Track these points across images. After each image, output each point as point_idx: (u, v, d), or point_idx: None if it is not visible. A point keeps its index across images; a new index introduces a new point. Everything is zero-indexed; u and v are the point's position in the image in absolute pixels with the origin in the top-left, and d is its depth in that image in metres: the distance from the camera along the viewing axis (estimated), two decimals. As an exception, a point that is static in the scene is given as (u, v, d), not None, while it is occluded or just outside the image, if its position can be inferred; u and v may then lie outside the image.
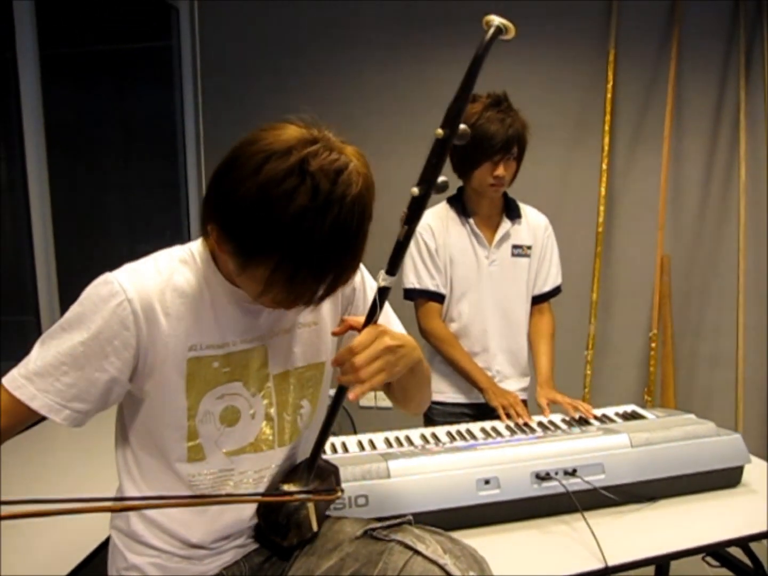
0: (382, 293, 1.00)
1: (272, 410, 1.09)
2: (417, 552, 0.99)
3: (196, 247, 1.05)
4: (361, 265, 1.20)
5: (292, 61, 3.09)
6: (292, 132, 0.89)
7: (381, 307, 1.00)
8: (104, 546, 1.26)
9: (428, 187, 0.92)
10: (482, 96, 1.79)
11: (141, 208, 3.09)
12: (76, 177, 2.66)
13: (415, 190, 0.92)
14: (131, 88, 3.11)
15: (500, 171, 1.78)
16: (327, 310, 1.15)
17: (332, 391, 1.13)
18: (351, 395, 0.98)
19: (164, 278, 0.99)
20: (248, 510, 1.10)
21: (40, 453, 1.68)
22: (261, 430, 1.08)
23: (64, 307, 2.31)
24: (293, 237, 0.85)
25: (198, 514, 1.06)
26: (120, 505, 0.99)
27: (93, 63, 2.83)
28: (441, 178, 0.93)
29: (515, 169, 1.83)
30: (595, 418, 1.71)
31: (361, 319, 1.02)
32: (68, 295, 2.36)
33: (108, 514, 1.12)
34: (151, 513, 1.05)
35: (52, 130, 2.31)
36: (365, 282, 1.19)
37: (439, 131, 0.90)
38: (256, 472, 1.09)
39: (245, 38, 3.10)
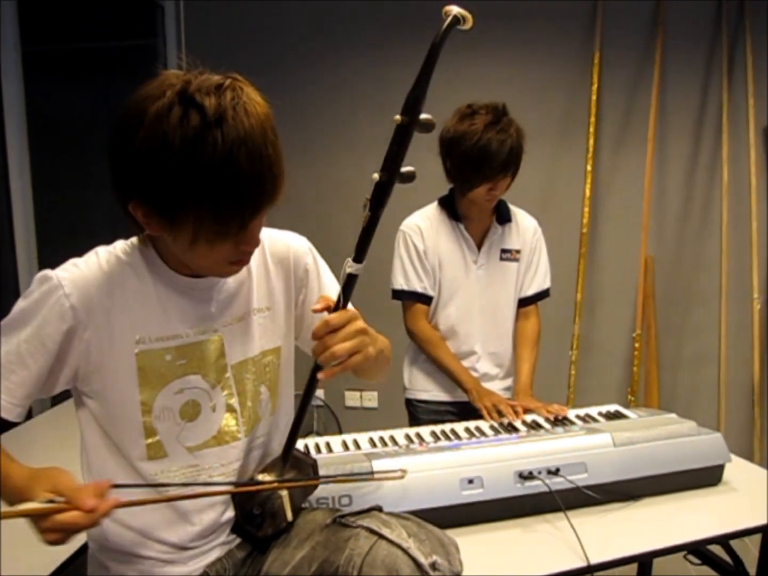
0: (349, 280, 0.99)
1: (234, 401, 1.08)
2: (382, 536, 0.99)
3: (135, 240, 1.05)
4: (313, 248, 1.19)
5: (278, 60, 3.08)
6: (163, 77, 0.89)
7: (348, 293, 0.99)
8: (82, 550, 1.25)
9: (390, 174, 0.92)
10: (482, 108, 1.75)
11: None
12: (59, 175, 2.64)
13: (376, 176, 0.92)
14: (116, 87, 3.09)
15: (496, 191, 1.79)
16: (280, 294, 1.14)
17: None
18: (321, 375, 0.97)
19: (105, 271, 0.99)
20: (224, 506, 1.09)
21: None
22: (223, 422, 1.07)
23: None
24: (198, 164, 0.82)
25: (176, 516, 1.05)
26: (149, 500, 0.99)
27: (77, 60, 2.81)
28: (407, 168, 0.92)
29: (510, 182, 1.82)
30: (572, 419, 1.72)
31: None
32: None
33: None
34: (129, 520, 1.04)
35: (35, 127, 2.29)
36: (318, 263, 1.19)
37: (398, 117, 0.90)
38: (224, 466, 1.07)
39: (231, 37, 3.09)
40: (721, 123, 2.99)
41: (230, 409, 1.07)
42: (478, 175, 1.75)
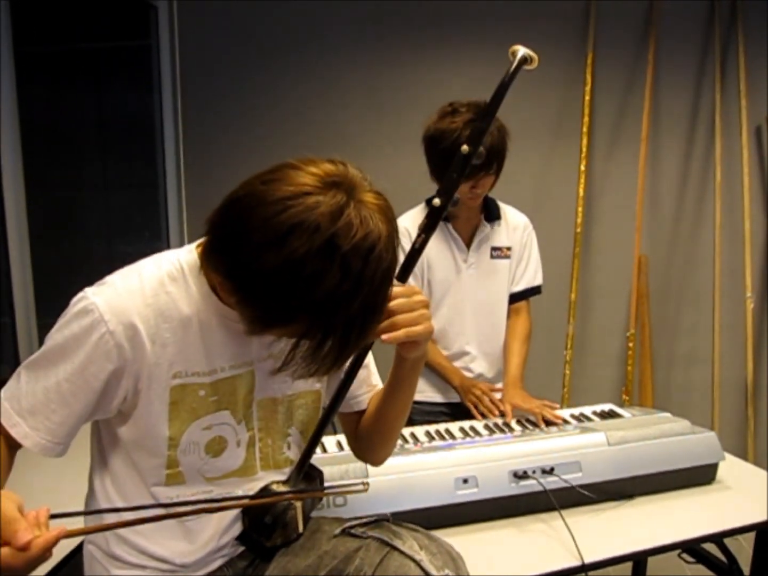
0: None
1: (254, 435, 1.06)
2: (393, 548, 0.98)
3: (185, 258, 0.99)
4: None
5: (273, 60, 3.07)
6: (316, 193, 0.80)
7: None
8: (79, 549, 1.24)
9: (448, 198, 0.94)
10: (463, 106, 1.72)
11: (119, 208, 3.05)
12: (52, 176, 2.63)
13: (438, 201, 0.95)
14: (109, 88, 3.08)
15: (478, 189, 1.76)
16: None
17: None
18: (384, 336, 0.94)
19: (149, 301, 0.94)
20: (227, 527, 1.07)
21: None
22: (245, 456, 1.05)
23: (40, 307, 2.29)
24: (321, 311, 0.81)
25: (181, 540, 1.04)
26: (102, 526, 0.89)
27: (70, 62, 2.80)
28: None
29: (494, 181, 1.80)
30: (568, 420, 1.71)
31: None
32: (44, 295, 2.33)
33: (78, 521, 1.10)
34: (131, 536, 1.02)
35: (28, 129, 2.27)
36: None
37: (465, 147, 0.96)
38: (241, 490, 1.06)
39: (225, 38, 3.08)
40: (714, 123, 3.00)
41: (251, 443, 1.06)
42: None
